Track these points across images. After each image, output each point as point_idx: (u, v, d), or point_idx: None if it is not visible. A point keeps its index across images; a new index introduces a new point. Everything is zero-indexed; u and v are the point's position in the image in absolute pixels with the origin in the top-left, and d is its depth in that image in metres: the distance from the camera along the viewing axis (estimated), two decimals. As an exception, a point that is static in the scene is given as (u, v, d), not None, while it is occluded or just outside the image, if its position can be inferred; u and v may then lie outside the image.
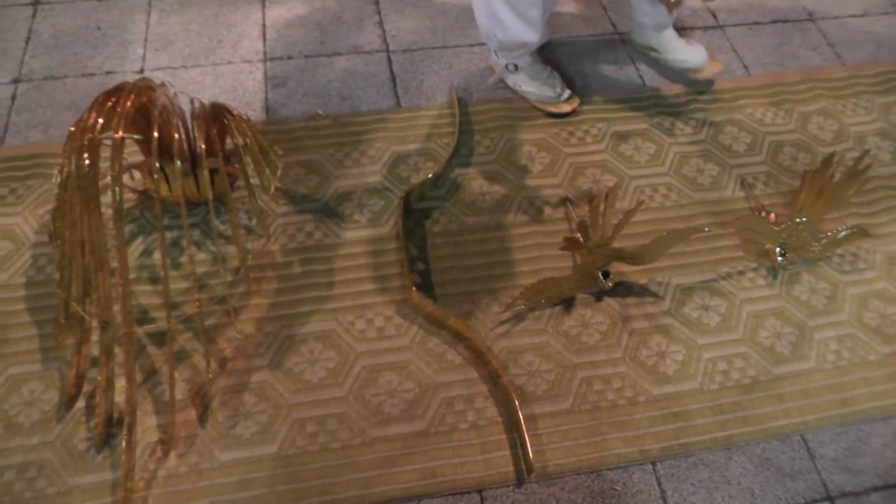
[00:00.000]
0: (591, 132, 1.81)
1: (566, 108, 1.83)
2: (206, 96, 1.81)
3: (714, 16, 2.19)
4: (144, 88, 1.34)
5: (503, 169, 1.71)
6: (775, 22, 2.21)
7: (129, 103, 1.28)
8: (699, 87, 1.95)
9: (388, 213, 1.60)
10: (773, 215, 1.63)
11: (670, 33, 1.92)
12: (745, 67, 2.05)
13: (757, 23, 2.20)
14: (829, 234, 1.57)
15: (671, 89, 1.93)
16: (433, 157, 1.71)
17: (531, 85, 1.82)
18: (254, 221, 1.55)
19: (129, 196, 1.57)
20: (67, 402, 1.31)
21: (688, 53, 1.92)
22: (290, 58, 1.94)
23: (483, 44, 2.01)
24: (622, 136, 1.80)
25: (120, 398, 1.28)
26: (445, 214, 1.61)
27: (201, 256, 1.51)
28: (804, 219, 1.54)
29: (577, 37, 2.08)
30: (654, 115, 1.85)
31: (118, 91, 1.30)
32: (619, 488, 1.28)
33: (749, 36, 2.15)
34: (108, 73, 1.88)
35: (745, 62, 2.06)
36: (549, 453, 1.30)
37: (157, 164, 1.34)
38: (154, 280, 1.47)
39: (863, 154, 1.64)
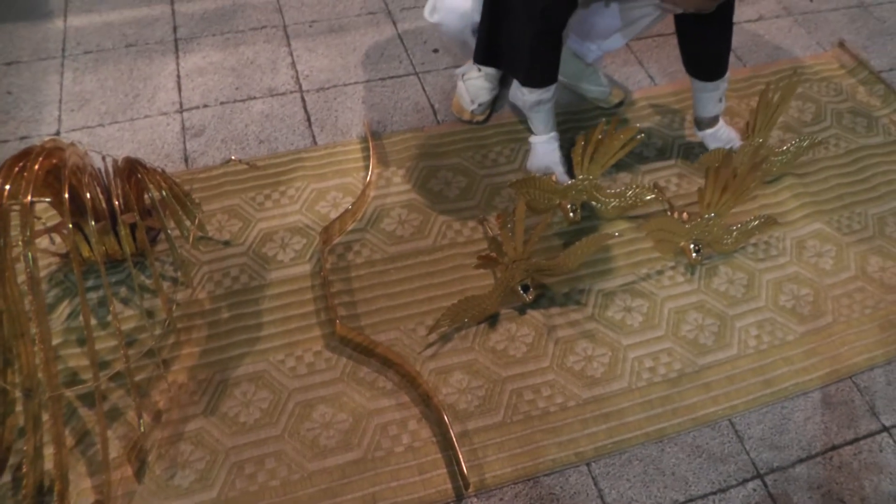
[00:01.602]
0: (504, 153, 1.86)
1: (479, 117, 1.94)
2: (125, 152, 1.82)
3: (617, 30, 2.28)
4: (53, 149, 1.34)
5: (421, 196, 1.74)
6: (674, 34, 2.30)
7: (36, 166, 1.28)
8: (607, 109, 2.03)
9: (310, 250, 1.62)
10: (685, 214, 1.69)
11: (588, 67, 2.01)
12: (650, 78, 2.13)
13: (660, 34, 2.29)
14: (740, 225, 1.64)
15: (581, 105, 2.00)
16: (351, 191, 1.74)
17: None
18: (178, 272, 1.56)
19: (51, 260, 1.56)
20: (-8, 479, 1.28)
21: (595, 84, 2.00)
22: (206, 106, 1.96)
23: (393, 77, 2.07)
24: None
25: (50, 465, 1.26)
26: (367, 246, 1.63)
27: (128, 312, 1.51)
28: (713, 214, 1.61)
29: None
30: (566, 131, 1.91)
31: (25, 155, 1.30)
32: (557, 492, 1.31)
33: (653, 48, 2.24)
34: (23, 138, 1.87)
35: (650, 73, 2.15)
36: (486, 466, 1.32)
37: (71, 225, 1.34)
38: (82, 342, 1.46)
39: (759, 146, 1.72)
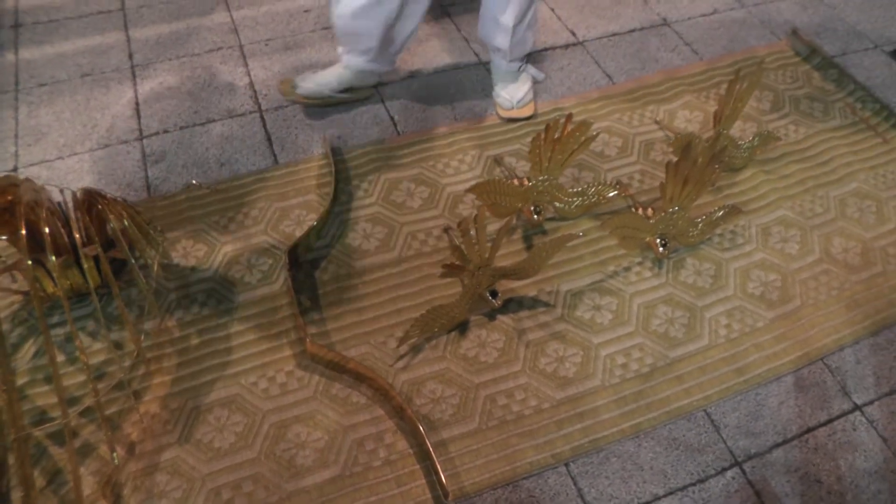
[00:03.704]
0: (466, 160, 1.86)
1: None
2: (86, 183, 1.80)
3: (573, 33, 2.29)
4: (7, 186, 1.33)
5: (384, 209, 1.74)
6: (632, 31, 2.33)
7: (-9, 204, 1.27)
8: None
9: (277, 269, 1.61)
10: (650, 209, 1.71)
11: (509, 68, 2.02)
12: (608, 77, 2.15)
13: (615, 34, 2.31)
14: (704, 217, 1.66)
15: (540, 107, 2.01)
16: (315, 208, 1.74)
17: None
18: (145, 302, 1.55)
19: (13, 299, 1.54)
20: (-42, 530, 1.27)
21: (505, 91, 2.01)
22: (165, 132, 1.94)
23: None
24: (497, 160, 1.86)
25: (23, 508, 1.25)
26: (333, 262, 1.63)
27: (97, 346, 1.49)
28: (676, 208, 1.62)
29: (443, 69, 2.16)
30: (525, 136, 1.92)
31: (-22, 194, 1.30)
32: (537, 494, 1.31)
33: (609, 47, 2.26)
34: (-21, 177, 1.85)
35: (608, 72, 2.16)
36: (464, 474, 1.32)
37: (30, 261, 1.33)
38: (49, 379, 1.44)
39: (716, 137, 1.73)
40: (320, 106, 1.99)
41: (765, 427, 1.42)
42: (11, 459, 1.26)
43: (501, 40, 1.88)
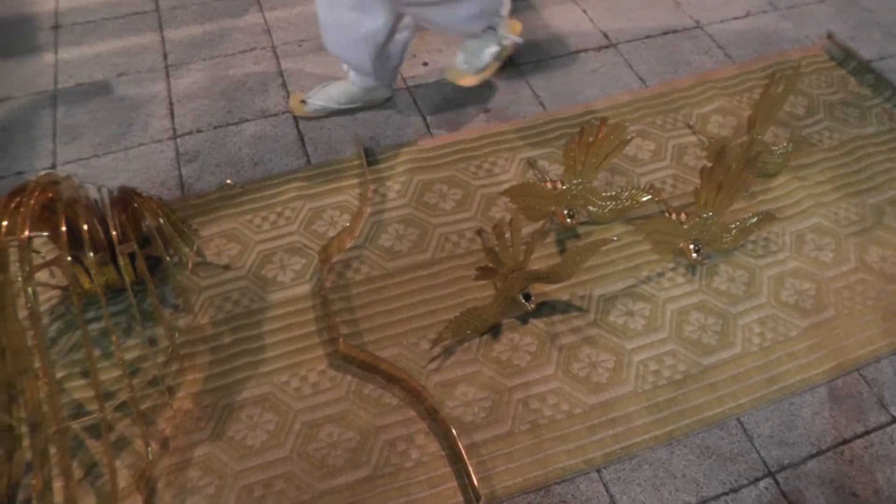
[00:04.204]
0: (499, 162, 1.86)
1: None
2: (121, 181, 1.82)
3: (606, 35, 2.29)
4: (48, 184, 1.35)
5: (416, 210, 1.74)
6: (665, 34, 2.32)
7: (32, 201, 1.28)
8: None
9: (310, 270, 1.62)
10: (683, 215, 1.70)
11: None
12: (641, 80, 2.13)
13: (648, 36, 2.30)
14: (738, 223, 1.64)
15: (571, 110, 2.01)
16: (347, 209, 1.74)
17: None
18: (179, 299, 1.56)
19: (52, 293, 1.57)
20: (-1, 515, 1.29)
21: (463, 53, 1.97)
22: (199, 131, 1.96)
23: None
24: (530, 162, 1.86)
25: (60, 499, 1.25)
26: (366, 263, 1.64)
27: (131, 341, 1.51)
28: (710, 213, 1.61)
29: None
30: (558, 139, 1.92)
31: (21, 191, 1.31)
32: (568, 500, 1.30)
33: (641, 50, 2.25)
34: (18, 173, 1.88)
35: (640, 75, 2.15)
36: (496, 477, 1.32)
37: (70, 258, 1.35)
38: (86, 374, 1.46)
39: (751, 142, 1.72)
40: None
41: (798, 437, 1.40)
42: (52, 450, 1.27)
43: None
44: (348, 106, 1.98)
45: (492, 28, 1.83)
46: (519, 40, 1.89)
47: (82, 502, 1.28)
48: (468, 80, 1.93)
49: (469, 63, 1.90)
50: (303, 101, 1.97)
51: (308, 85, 2.06)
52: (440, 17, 1.74)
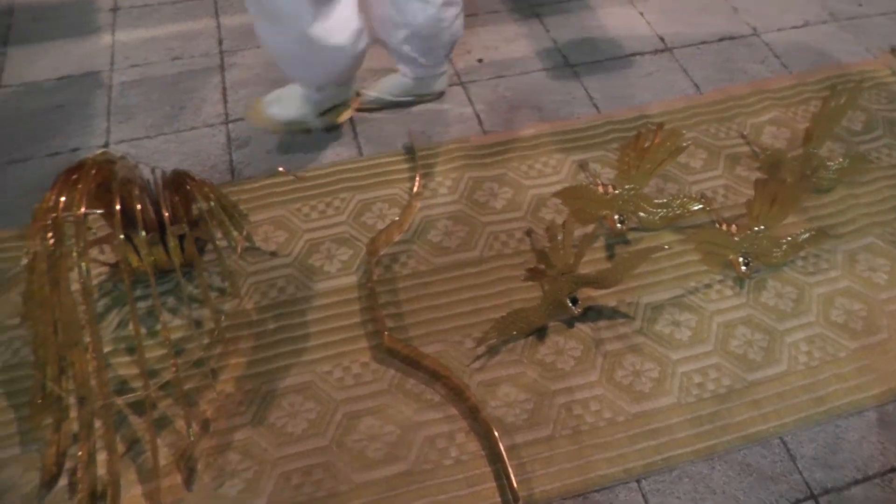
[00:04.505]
0: (550, 163, 1.85)
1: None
2: (171, 164, 1.84)
3: (662, 39, 2.26)
4: (105, 163, 1.36)
5: (466, 207, 1.74)
6: (721, 40, 2.28)
7: (90, 179, 1.30)
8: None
9: (356, 261, 1.63)
10: (733, 226, 1.67)
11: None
12: (695, 86, 2.11)
13: (704, 42, 2.27)
14: (790, 238, 1.61)
15: (625, 114, 1.99)
16: (397, 202, 1.75)
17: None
18: (226, 283, 1.58)
19: (101, 270, 1.59)
20: (49, 482, 1.30)
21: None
22: (251, 117, 1.98)
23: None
24: (582, 165, 1.84)
25: (102, 471, 1.27)
26: (413, 257, 1.64)
27: (176, 322, 1.52)
28: (762, 227, 1.59)
29: (530, 71, 2.15)
30: (611, 142, 1.90)
31: (79, 168, 1.32)
32: (606, 509, 1.30)
33: (697, 55, 2.22)
34: (73, 150, 1.91)
35: (695, 81, 2.12)
36: (535, 481, 1.31)
37: (122, 236, 1.36)
38: (131, 350, 1.48)
39: (810, 157, 1.69)
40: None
41: (844, 461, 1.37)
42: (97, 423, 1.29)
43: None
44: (402, 98, 1.98)
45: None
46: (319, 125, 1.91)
47: (124, 477, 1.30)
48: (256, 119, 1.89)
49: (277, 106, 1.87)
50: (357, 94, 1.97)
51: (361, 77, 2.06)
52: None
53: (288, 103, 1.85)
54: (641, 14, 2.37)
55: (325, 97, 1.85)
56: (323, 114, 1.89)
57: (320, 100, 1.85)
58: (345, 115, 1.92)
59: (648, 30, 2.31)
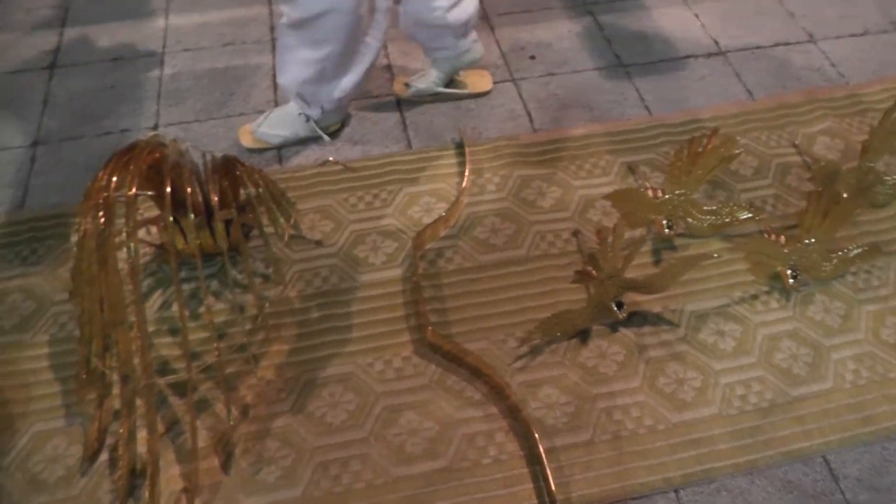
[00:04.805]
0: (600, 164, 1.83)
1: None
2: (220, 148, 1.86)
3: (716, 42, 2.22)
4: (157, 145, 1.37)
5: (514, 205, 1.73)
6: (776, 45, 2.24)
7: (141, 161, 1.31)
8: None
9: (402, 254, 1.63)
10: (782, 237, 1.64)
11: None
12: (748, 92, 2.07)
13: (758, 47, 2.23)
14: (841, 253, 1.58)
15: (676, 117, 1.96)
16: (444, 197, 1.74)
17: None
18: (270, 269, 1.58)
19: (146, 250, 1.60)
20: (91, 457, 1.33)
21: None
22: (300, 105, 1.98)
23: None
24: (631, 167, 1.82)
25: (142, 449, 1.30)
26: (459, 253, 1.63)
27: (220, 306, 1.54)
28: (813, 240, 1.55)
29: (582, 70, 2.13)
30: (661, 145, 1.88)
31: (131, 149, 1.34)
32: (643, 518, 1.28)
33: (751, 60, 2.18)
34: (124, 130, 1.93)
35: (748, 86, 2.09)
36: (573, 485, 1.30)
37: (171, 219, 1.38)
38: (174, 332, 1.50)
39: (867, 171, 1.65)
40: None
41: (891, 485, 1.33)
42: (138, 402, 1.31)
43: None
44: (451, 91, 1.98)
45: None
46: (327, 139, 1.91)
47: (162, 456, 1.31)
48: (248, 141, 1.91)
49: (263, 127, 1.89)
50: (406, 84, 1.97)
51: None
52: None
53: (276, 123, 1.87)
54: (696, 16, 2.33)
55: (324, 117, 1.86)
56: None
57: (318, 119, 1.86)
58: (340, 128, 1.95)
59: (702, 32, 2.27)
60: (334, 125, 1.90)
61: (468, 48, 1.92)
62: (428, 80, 1.97)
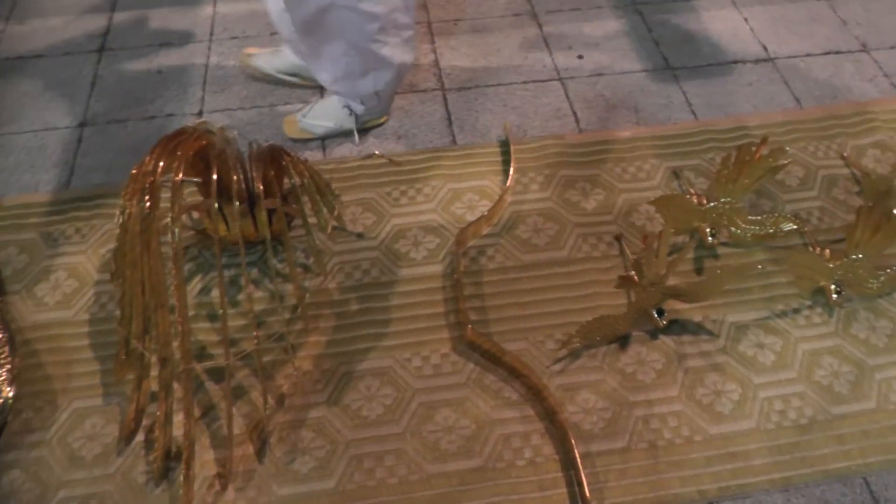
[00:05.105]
0: (644, 168, 1.81)
1: None
2: (263, 136, 1.87)
3: (765, 48, 2.19)
4: (204, 132, 1.38)
5: (557, 205, 1.72)
6: (827, 53, 2.20)
7: (188, 147, 1.32)
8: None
9: (443, 250, 1.62)
10: (827, 251, 1.61)
11: None
12: (796, 100, 2.03)
13: (808, 54, 2.19)
14: (889, 270, 1.55)
15: (724, 123, 1.93)
16: (488, 194, 1.74)
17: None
18: (311, 260, 1.59)
19: (187, 235, 1.61)
20: (127, 437, 1.35)
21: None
22: (346, 97, 1.98)
23: (536, 80, 2.05)
24: (676, 172, 1.80)
25: (178, 432, 1.31)
26: (501, 251, 1.62)
27: (259, 294, 1.55)
28: (860, 255, 1.52)
29: (630, 71, 2.11)
30: (706, 151, 1.85)
31: (179, 135, 1.35)
32: (677, 529, 1.27)
33: (800, 67, 2.14)
34: (169, 115, 1.95)
35: (796, 94, 2.05)
36: (607, 491, 1.29)
37: (216, 206, 1.38)
38: (212, 317, 1.51)
39: (922, 188, 1.61)
40: None
41: (934, 509, 1.32)
42: (176, 386, 1.32)
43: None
44: (286, 77, 2.01)
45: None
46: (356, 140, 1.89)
47: (197, 441, 1.32)
48: (292, 131, 1.91)
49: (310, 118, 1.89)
50: (248, 55, 2.02)
51: (461, 66, 2.06)
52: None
53: (322, 115, 1.87)
54: (746, 20, 2.29)
55: (367, 111, 1.85)
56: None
57: (362, 113, 1.85)
58: (378, 122, 1.93)
59: (752, 37, 2.24)
60: (376, 119, 1.90)
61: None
62: (272, 62, 2.00)
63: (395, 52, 1.73)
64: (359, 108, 1.82)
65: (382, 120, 1.91)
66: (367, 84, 1.76)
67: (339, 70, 1.74)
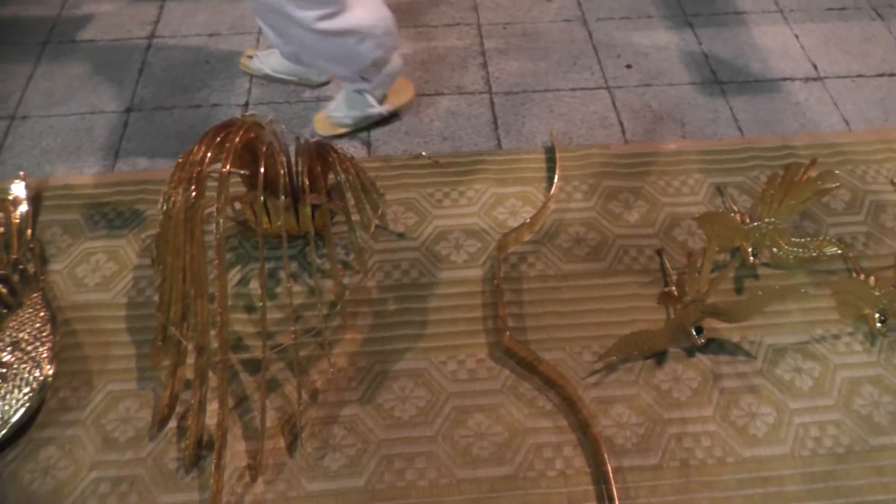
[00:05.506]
0: (689, 182, 1.79)
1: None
2: (308, 131, 1.88)
3: (815, 66, 2.16)
4: (253, 125, 1.39)
5: (600, 216, 1.71)
6: (881, 75, 2.16)
7: (237, 139, 1.33)
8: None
9: (484, 255, 1.62)
10: (872, 278, 1.58)
11: None
12: (845, 122, 2.00)
13: (860, 75, 2.15)
14: (939, 301, 1.52)
15: (770, 141, 1.90)
16: (531, 200, 1.73)
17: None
18: (351, 257, 1.59)
19: (229, 226, 1.62)
20: (160, 422, 1.36)
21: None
22: (393, 96, 1.99)
23: (583, 88, 2.04)
24: (720, 189, 1.78)
25: (211, 422, 1.32)
26: (541, 259, 1.62)
27: (297, 289, 1.55)
28: (909, 284, 1.50)
29: (678, 83, 2.09)
30: (751, 168, 1.83)
31: (228, 126, 1.35)
32: (707, 551, 1.26)
33: (851, 88, 2.11)
34: (214, 105, 1.96)
35: (845, 116, 2.02)
36: (637, 508, 1.28)
37: (261, 199, 1.39)
38: (249, 309, 1.52)
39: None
40: None
41: (973, 547, 1.29)
42: (211, 375, 1.33)
43: None
44: (283, 76, 2.02)
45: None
46: (384, 112, 1.88)
47: (230, 431, 1.34)
48: (325, 129, 1.91)
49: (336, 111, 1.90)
50: (249, 57, 2.04)
51: (509, 69, 2.05)
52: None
53: (345, 105, 1.88)
54: (797, 36, 2.26)
55: (373, 86, 1.83)
56: (382, 101, 1.89)
57: (370, 89, 1.84)
58: (404, 100, 1.92)
59: (802, 54, 2.20)
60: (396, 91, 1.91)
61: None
62: (269, 63, 2.01)
63: (363, 15, 1.68)
64: (366, 86, 1.81)
65: (406, 99, 1.93)
66: (358, 60, 1.73)
67: (326, 66, 1.79)
